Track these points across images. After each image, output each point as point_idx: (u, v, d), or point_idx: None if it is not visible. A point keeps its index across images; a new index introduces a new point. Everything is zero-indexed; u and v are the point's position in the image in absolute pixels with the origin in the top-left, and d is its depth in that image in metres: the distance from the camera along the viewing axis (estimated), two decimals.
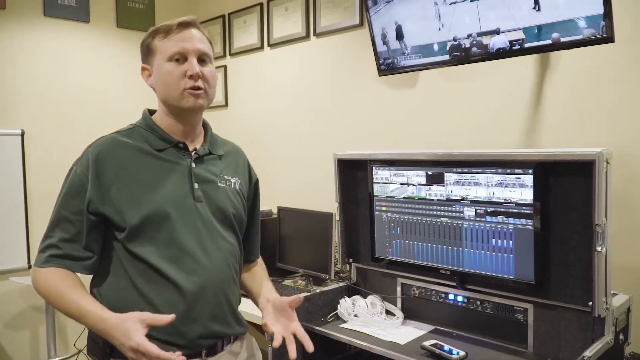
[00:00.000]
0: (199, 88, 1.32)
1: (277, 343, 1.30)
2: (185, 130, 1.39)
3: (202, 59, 1.35)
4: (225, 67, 3.67)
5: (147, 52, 1.38)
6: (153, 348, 1.12)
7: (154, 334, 1.20)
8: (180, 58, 1.32)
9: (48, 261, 1.28)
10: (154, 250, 1.29)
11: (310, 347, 1.30)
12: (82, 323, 1.24)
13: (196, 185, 1.36)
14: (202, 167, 1.40)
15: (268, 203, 3.14)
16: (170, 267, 1.29)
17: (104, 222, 1.30)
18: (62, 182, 1.34)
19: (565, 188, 1.70)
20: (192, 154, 1.40)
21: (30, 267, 3.23)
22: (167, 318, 1.17)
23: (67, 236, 1.28)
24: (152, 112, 1.45)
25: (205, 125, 1.48)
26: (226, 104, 3.70)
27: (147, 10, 3.79)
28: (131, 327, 1.15)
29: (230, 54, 3.65)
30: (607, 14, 1.68)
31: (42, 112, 3.35)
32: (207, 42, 1.38)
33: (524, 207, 1.75)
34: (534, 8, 1.84)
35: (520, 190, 1.75)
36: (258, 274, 1.60)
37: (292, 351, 1.29)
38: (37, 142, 3.32)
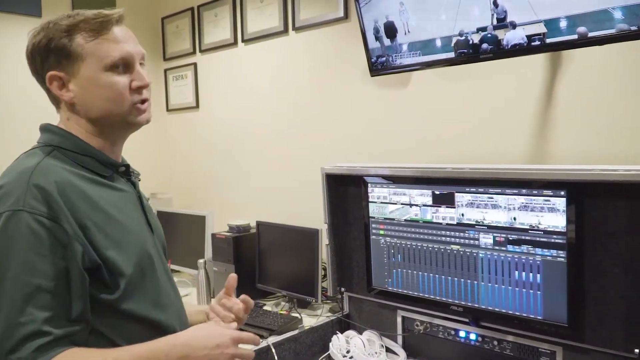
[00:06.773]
0: (146, 100, 1.10)
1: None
2: (117, 151, 1.14)
3: (141, 63, 1.11)
4: (195, 64, 3.37)
5: (61, 56, 1.05)
6: (249, 334, 1.13)
7: None
8: (121, 65, 1.06)
9: (40, 355, 0.89)
10: (147, 301, 1.06)
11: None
12: None
13: (148, 216, 1.17)
14: (140, 193, 1.19)
15: (245, 216, 2.85)
16: (163, 315, 1.09)
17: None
18: None
19: (605, 213, 1.45)
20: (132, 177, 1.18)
21: None
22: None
23: (50, 314, 0.91)
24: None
25: None
26: (197, 105, 3.38)
27: (107, 3, 3.42)
28: (217, 325, 1.12)
29: (201, 51, 3.35)
30: None
31: None
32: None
33: (554, 236, 1.49)
34: None
35: (550, 215, 1.48)
36: None
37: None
38: None
